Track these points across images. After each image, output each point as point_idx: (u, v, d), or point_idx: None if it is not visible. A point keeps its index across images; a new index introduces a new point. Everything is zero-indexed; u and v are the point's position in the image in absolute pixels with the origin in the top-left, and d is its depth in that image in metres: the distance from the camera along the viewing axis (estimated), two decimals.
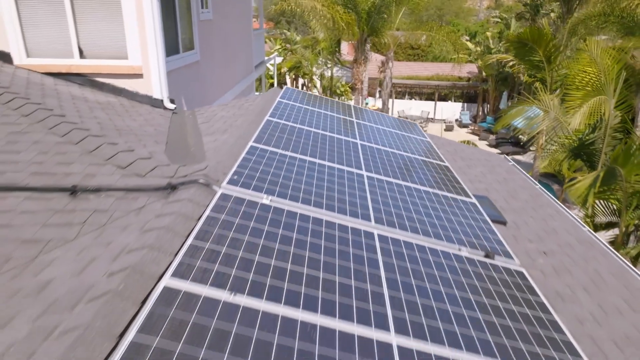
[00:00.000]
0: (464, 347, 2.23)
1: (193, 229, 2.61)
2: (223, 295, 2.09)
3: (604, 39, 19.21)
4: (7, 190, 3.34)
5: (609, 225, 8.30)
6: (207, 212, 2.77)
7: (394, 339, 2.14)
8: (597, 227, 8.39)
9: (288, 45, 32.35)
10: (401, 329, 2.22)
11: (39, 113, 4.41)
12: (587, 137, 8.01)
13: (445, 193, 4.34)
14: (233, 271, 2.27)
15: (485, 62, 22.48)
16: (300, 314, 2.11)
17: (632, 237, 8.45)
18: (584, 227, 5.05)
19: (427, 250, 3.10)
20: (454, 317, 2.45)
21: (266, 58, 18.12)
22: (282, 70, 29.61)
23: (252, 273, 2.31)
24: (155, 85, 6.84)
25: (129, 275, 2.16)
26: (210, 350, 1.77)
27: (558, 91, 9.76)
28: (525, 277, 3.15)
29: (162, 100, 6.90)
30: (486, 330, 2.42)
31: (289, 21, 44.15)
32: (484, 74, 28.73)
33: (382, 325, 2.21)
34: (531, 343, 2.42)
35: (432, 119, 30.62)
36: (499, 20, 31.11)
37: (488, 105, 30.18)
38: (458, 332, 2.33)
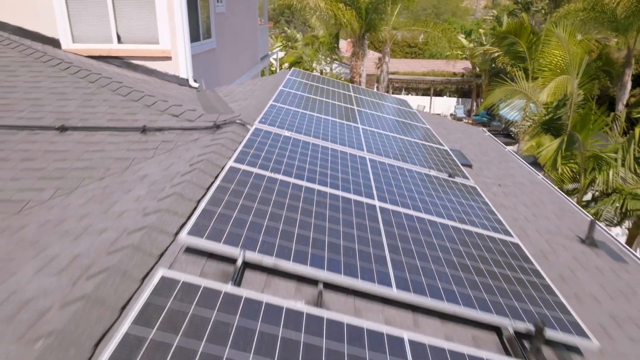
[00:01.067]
0: (422, 211, 3.39)
1: (239, 146, 3.77)
2: (267, 173, 3.25)
3: (600, 37, 20.44)
4: (94, 130, 4.51)
5: (574, 192, 9.46)
6: (247, 137, 3.93)
7: (377, 203, 3.30)
8: (566, 194, 9.55)
9: (289, 43, 33.54)
10: (381, 199, 3.39)
11: (102, 80, 5.57)
12: (555, 113, 9.16)
13: (424, 142, 5.51)
14: (271, 164, 3.44)
15: (473, 54, 23.67)
16: (316, 186, 3.28)
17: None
18: (538, 174, 6.22)
19: (405, 169, 4.27)
20: (419, 199, 3.62)
21: (269, 52, 19.33)
22: (284, 66, 30.76)
23: (283, 166, 3.47)
24: (182, 66, 7.99)
25: (204, 163, 3.32)
26: (264, 193, 2.93)
27: (539, 79, 10.90)
28: (477, 189, 4.31)
29: (187, 80, 8.05)
30: (440, 207, 3.59)
31: (288, 20, 45.34)
32: (477, 69, 29.92)
33: (370, 196, 3.38)
34: (470, 215, 3.59)
35: (427, 113, 31.79)
36: (493, 18, 32.26)
37: (482, 100, 31.35)
38: (420, 206, 3.50)
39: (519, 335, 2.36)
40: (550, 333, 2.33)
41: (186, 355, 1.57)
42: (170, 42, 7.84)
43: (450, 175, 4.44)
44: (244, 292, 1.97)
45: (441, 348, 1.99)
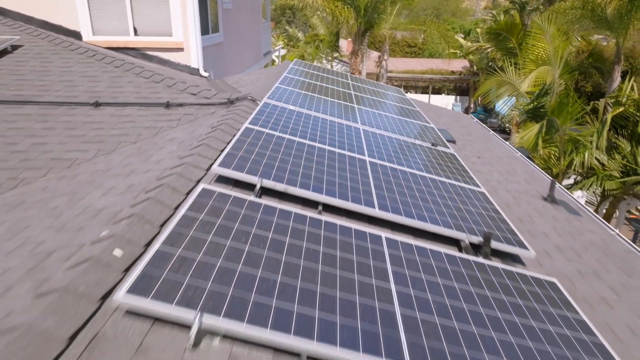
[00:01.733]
0: (405, 165, 4.08)
1: (250, 115, 4.45)
2: (276, 132, 3.94)
3: (599, 38, 21.04)
4: (124, 105, 5.19)
5: (556, 177, 10.14)
6: (258, 108, 4.61)
7: (367, 158, 3.99)
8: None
9: (290, 43, 34.26)
10: (371, 156, 4.07)
11: (126, 65, 6.26)
12: (538, 101, 9.84)
13: (412, 120, 6.19)
14: (279, 127, 4.12)
15: (468, 51, 24.36)
16: (317, 144, 3.96)
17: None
18: (517, 152, 6.90)
19: (393, 138, 4.95)
20: (403, 158, 4.30)
21: (272, 49, 20.04)
22: None
23: (289, 129, 4.16)
24: (194, 57, 8.68)
25: (224, 126, 4.00)
26: (274, 145, 3.62)
27: (523, 70, 11.57)
28: (455, 156, 4.99)
29: (198, 69, 8.74)
30: (421, 164, 4.27)
31: (289, 21, 46.03)
32: (475, 67, 30.60)
33: (362, 153, 4.06)
34: (445, 172, 4.27)
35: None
36: (492, 18, 32.91)
37: (479, 98, 31.99)
38: (404, 162, 4.18)
39: (474, 246, 3.04)
40: (497, 245, 3.01)
41: (225, 230, 2.26)
42: (183, 34, 8.53)
43: (433, 145, 5.12)
44: (263, 201, 2.66)
45: (409, 243, 2.68)
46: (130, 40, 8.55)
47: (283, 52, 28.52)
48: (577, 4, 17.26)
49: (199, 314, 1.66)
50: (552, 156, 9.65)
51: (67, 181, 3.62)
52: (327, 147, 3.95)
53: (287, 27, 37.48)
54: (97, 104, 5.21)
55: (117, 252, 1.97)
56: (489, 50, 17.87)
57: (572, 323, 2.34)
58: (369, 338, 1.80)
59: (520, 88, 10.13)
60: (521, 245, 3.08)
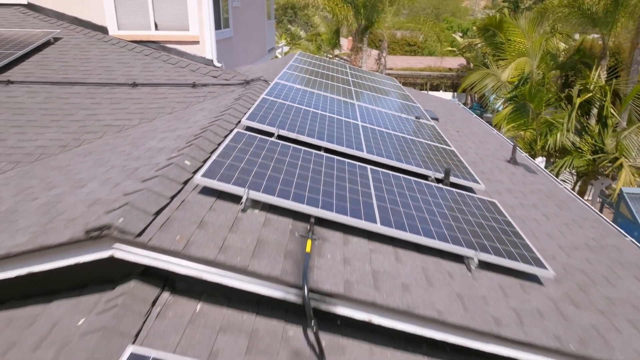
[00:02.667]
0: (390, 129, 5.07)
1: (264, 91, 5.43)
2: (287, 102, 4.93)
3: (596, 36, 22.00)
4: (157, 85, 6.19)
5: (534, 157, 11.11)
6: (271, 85, 5.60)
7: (360, 123, 4.98)
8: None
9: (292, 41, 35.29)
10: (363, 121, 5.06)
11: (155, 54, 7.26)
12: (520, 90, 10.81)
13: (402, 100, 7.18)
14: (289, 99, 5.12)
15: (460, 47, 25.35)
16: (319, 112, 4.95)
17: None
18: (494, 130, 7.88)
19: (383, 112, 5.94)
20: (389, 124, 5.29)
21: (275, 46, 21.07)
22: None
23: (297, 100, 5.15)
24: (208, 49, 9.67)
25: (244, 97, 4.99)
26: (286, 109, 4.60)
27: (505, 61, 12.54)
28: (435, 127, 5.98)
29: (212, 60, 9.72)
30: (403, 128, 5.26)
31: (291, 20, 47.02)
32: (471, 65, 31.60)
33: (355, 119, 5.06)
34: (424, 135, 5.26)
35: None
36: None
37: (475, 94, 32.97)
38: (389, 126, 5.17)
39: (438, 180, 4.03)
40: (455, 179, 4.00)
41: (256, 154, 3.24)
42: (199, 29, 9.52)
43: (416, 118, 6.11)
44: (281, 142, 3.65)
45: (388, 173, 3.67)
46: (152, 34, 9.53)
47: (286, 49, 29.53)
48: (565, 2, 18.23)
49: (247, 190, 2.65)
50: (533, 140, 10.62)
51: (123, 139, 4.62)
52: (327, 114, 4.95)
53: (289, 26, 38.49)
54: (134, 84, 6.20)
55: (187, 162, 2.97)
56: (479, 45, 18.84)
57: (499, 220, 3.33)
58: (354, 211, 2.79)
59: (502, 77, 11.12)
60: (474, 180, 4.07)
